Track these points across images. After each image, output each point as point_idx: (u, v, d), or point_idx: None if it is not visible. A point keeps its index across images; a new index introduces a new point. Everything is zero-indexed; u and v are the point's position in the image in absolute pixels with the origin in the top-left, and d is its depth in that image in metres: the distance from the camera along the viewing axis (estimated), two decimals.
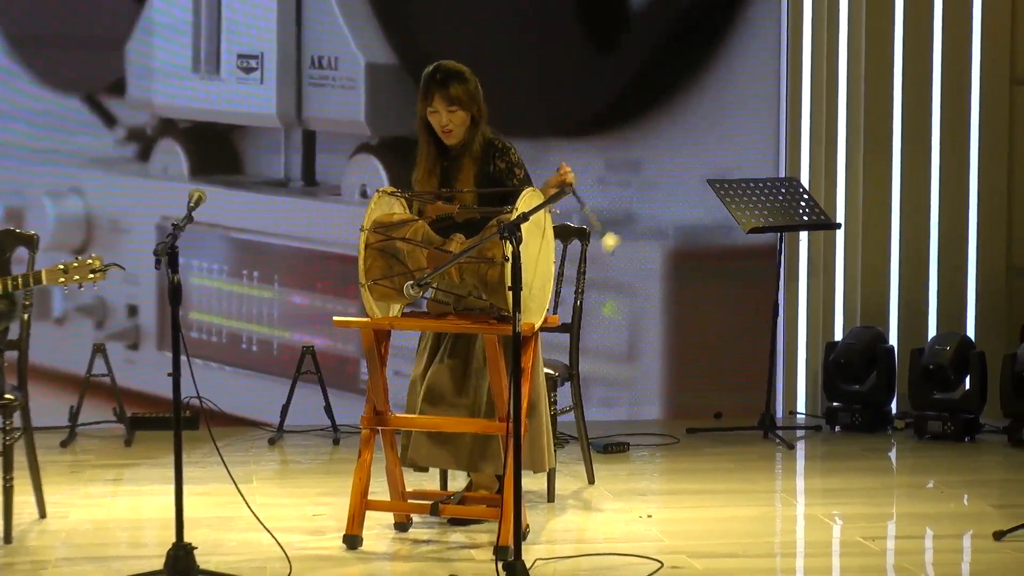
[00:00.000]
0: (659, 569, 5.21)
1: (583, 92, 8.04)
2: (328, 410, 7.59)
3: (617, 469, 6.95)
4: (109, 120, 7.94)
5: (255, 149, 8.03)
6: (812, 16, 8.12)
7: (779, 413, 8.07)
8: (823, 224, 7.77)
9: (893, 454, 7.50)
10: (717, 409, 8.08)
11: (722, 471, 6.93)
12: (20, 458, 5.73)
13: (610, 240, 5.26)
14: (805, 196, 7.73)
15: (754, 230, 7.50)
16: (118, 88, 7.90)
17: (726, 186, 7.61)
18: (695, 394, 8.14)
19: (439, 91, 5.59)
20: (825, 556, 5.63)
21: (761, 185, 7.68)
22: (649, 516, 6.01)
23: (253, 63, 7.93)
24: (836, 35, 8.12)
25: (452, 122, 5.61)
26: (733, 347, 8.11)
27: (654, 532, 5.78)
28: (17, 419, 5.66)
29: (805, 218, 7.66)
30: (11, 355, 5.74)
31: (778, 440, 7.53)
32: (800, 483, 7.02)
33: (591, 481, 6.57)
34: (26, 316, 5.80)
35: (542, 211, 5.25)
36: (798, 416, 8.16)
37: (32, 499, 5.92)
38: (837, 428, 7.89)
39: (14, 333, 5.75)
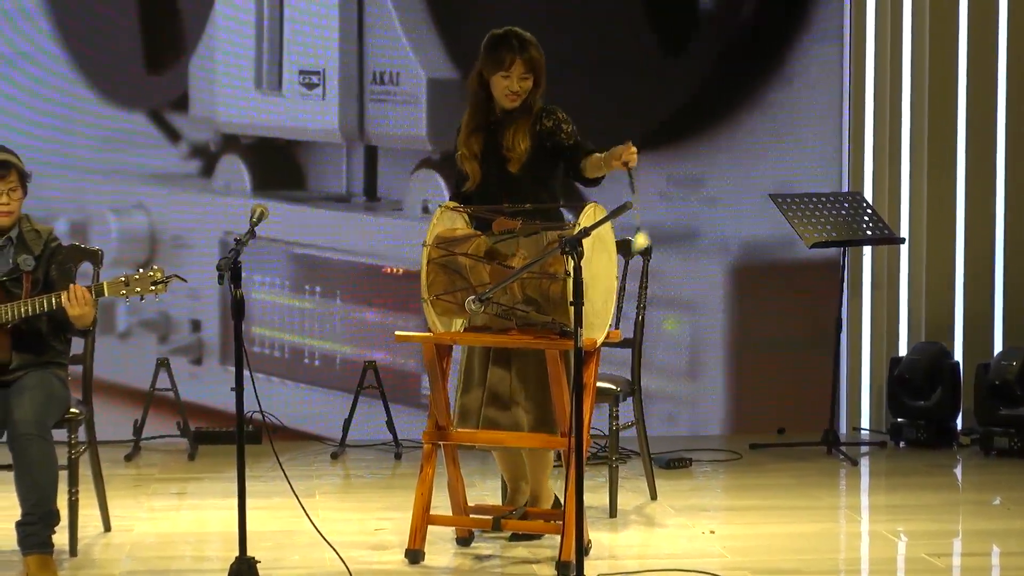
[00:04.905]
0: None
1: (644, 107, 8.03)
2: (390, 425, 7.61)
3: (680, 484, 6.93)
4: (173, 136, 8.00)
5: (317, 165, 8.07)
6: (875, 30, 8.09)
7: (843, 429, 8.03)
8: (887, 239, 7.73)
9: (959, 470, 7.44)
10: (780, 425, 8.05)
11: (785, 487, 6.90)
12: (85, 472, 5.78)
13: (642, 239, 5.26)
14: (869, 211, 7.69)
15: (817, 245, 7.47)
16: (181, 104, 7.97)
17: (789, 201, 7.58)
18: (758, 409, 8.11)
19: (521, 56, 5.57)
20: (890, 573, 5.60)
21: (824, 200, 7.65)
22: (712, 532, 5.99)
23: (315, 79, 7.97)
24: (899, 49, 8.08)
25: (522, 88, 5.60)
26: (796, 362, 8.07)
27: (717, 548, 5.76)
28: (82, 433, 5.71)
29: (869, 233, 7.62)
30: (75, 369, 5.78)
31: (842, 456, 7.49)
32: (864, 499, 6.98)
33: (653, 496, 6.55)
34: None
35: (604, 226, 5.25)
36: (862, 432, 8.12)
37: (97, 512, 5.96)
38: (902, 444, 7.83)
39: (78, 347, 5.80)
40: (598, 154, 5.54)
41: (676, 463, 7.29)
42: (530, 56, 5.60)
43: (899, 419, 7.87)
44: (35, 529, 5.25)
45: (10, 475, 5.28)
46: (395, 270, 5.84)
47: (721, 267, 8.11)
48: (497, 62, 5.60)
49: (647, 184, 7.84)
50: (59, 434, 5.44)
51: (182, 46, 7.92)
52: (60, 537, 5.40)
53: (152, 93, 7.95)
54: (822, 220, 7.54)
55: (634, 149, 5.43)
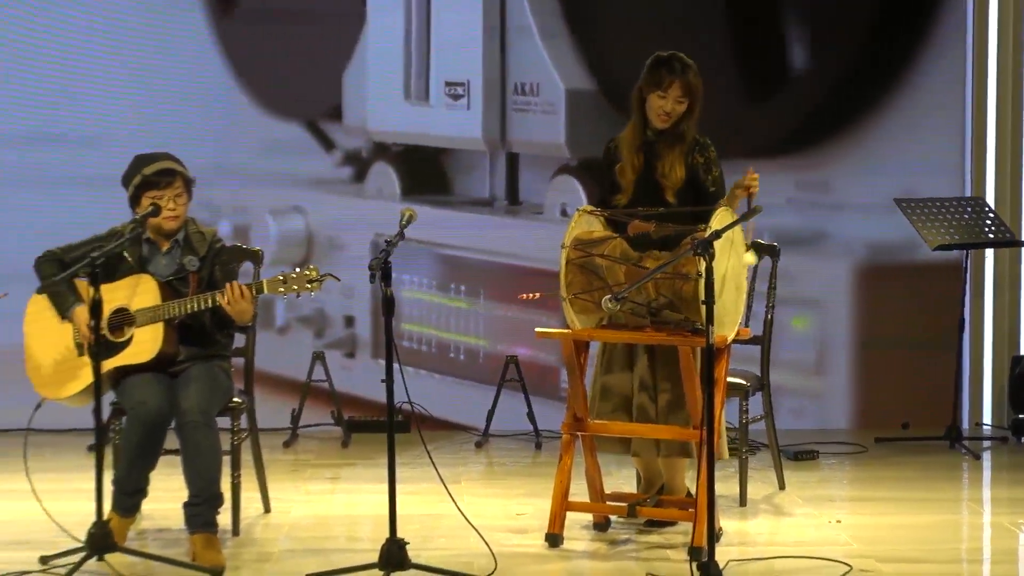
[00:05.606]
0: (848, 572, 5.14)
1: (773, 116, 7.97)
2: (530, 416, 7.63)
3: (807, 476, 6.87)
4: (328, 144, 8.09)
5: (462, 171, 8.11)
6: (997, 36, 7.94)
7: (965, 424, 7.90)
8: (1008, 242, 7.59)
9: None
10: (904, 419, 7.93)
11: (909, 479, 6.81)
12: (247, 457, 5.87)
13: (750, 257, 5.24)
14: (991, 215, 7.56)
15: (940, 247, 7.36)
16: (336, 114, 8.06)
17: (913, 205, 7.48)
18: (883, 405, 8.00)
19: (680, 80, 5.54)
20: (1011, 563, 5.50)
21: (947, 204, 7.53)
22: (838, 521, 5.93)
23: (460, 90, 8.01)
24: (1021, 54, 7.93)
25: (675, 111, 5.58)
26: (920, 360, 7.96)
27: (843, 537, 5.70)
28: (244, 421, 5.79)
29: (991, 236, 7.49)
30: (238, 361, 5.88)
31: (964, 450, 7.37)
32: (986, 492, 6.86)
33: (782, 487, 6.50)
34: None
35: (735, 229, 5.22)
36: (984, 427, 7.98)
37: (258, 495, 6.05)
38: (1023, 440, 7.69)
39: (240, 341, 5.88)
40: (723, 200, 5.51)
41: (803, 455, 7.22)
42: (688, 80, 5.56)
43: (1020, 415, 7.72)
44: (201, 510, 5.33)
45: (179, 459, 5.38)
46: (531, 296, 5.85)
47: (847, 268, 8.02)
48: (656, 82, 5.58)
49: (777, 188, 7.79)
50: (223, 422, 5.53)
51: (330, 61, 8.03)
52: (223, 517, 5.48)
53: (308, 103, 8.06)
54: (945, 223, 7.43)
55: (755, 176, 5.38)
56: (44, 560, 5.22)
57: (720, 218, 5.20)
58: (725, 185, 5.63)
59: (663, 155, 5.59)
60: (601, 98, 7.84)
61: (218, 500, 5.38)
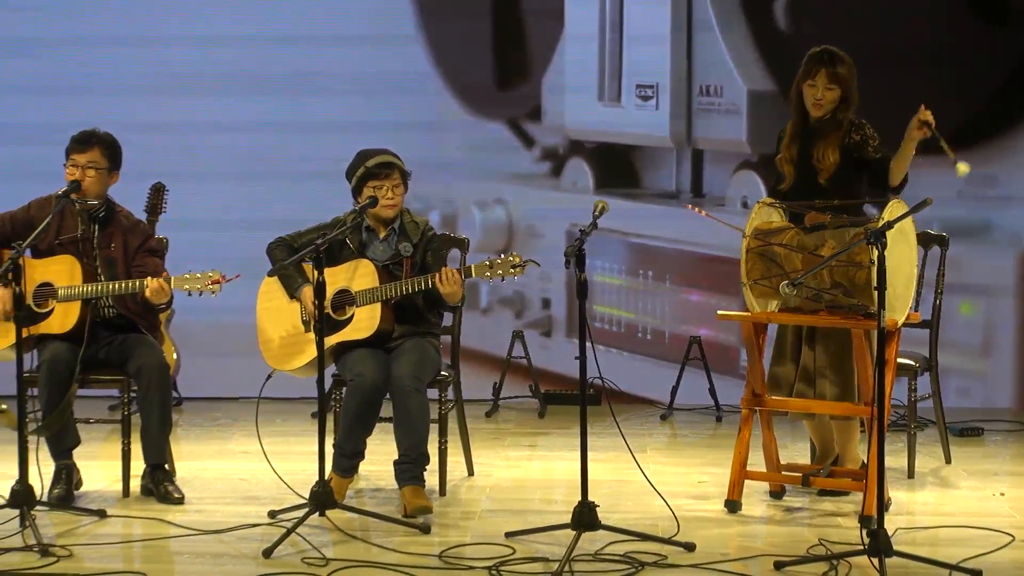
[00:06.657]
0: (1011, 542, 5.00)
1: (943, 112, 7.75)
2: (712, 392, 7.57)
3: (972, 451, 6.69)
4: (528, 142, 8.12)
5: (651, 166, 8.07)
6: None
7: None
8: None
9: None
10: None
11: None
12: (453, 425, 5.92)
13: (963, 167, 5.11)
14: None
15: None
16: (535, 115, 8.09)
17: None
18: None
19: (825, 69, 5.48)
20: None
21: None
22: (1002, 494, 5.77)
23: (650, 92, 7.97)
24: None
25: (826, 97, 5.50)
26: None
27: (1006, 509, 5.55)
28: (450, 392, 5.85)
29: None
30: (446, 339, 5.93)
31: None
32: None
33: (948, 461, 6.35)
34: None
35: (906, 220, 5.10)
36: None
37: (462, 459, 6.11)
38: None
39: (448, 320, 5.94)
40: (900, 150, 5.38)
41: (969, 432, 7.05)
42: (836, 70, 5.48)
43: None
44: (410, 467, 5.41)
45: (392, 426, 5.45)
46: (702, 212, 5.79)
47: (1013, 257, 7.80)
48: (807, 72, 5.53)
49: (946, 181, 7.56)
50: (432, 393, 5.59)
51: (531, 67, 8.05)
52: (431, 479, 5.55)
53: (511, 105, 8.10)
54: None
55: (927, 111, 5.25)
56: (272, 514, 5.35)
57: (892, 210, 5.09)
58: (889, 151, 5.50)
59: (818, 142, 5.52)
60: (779, 98, 7.72)
61: (425, 459, 5.44)
